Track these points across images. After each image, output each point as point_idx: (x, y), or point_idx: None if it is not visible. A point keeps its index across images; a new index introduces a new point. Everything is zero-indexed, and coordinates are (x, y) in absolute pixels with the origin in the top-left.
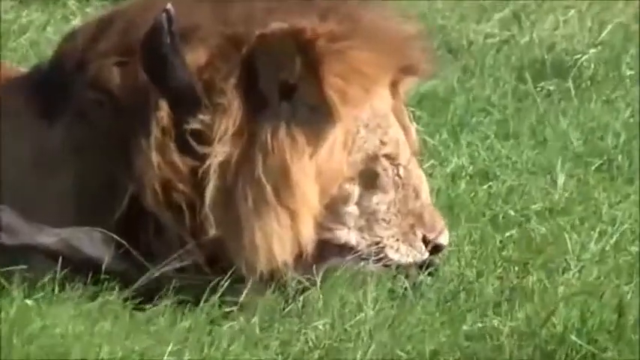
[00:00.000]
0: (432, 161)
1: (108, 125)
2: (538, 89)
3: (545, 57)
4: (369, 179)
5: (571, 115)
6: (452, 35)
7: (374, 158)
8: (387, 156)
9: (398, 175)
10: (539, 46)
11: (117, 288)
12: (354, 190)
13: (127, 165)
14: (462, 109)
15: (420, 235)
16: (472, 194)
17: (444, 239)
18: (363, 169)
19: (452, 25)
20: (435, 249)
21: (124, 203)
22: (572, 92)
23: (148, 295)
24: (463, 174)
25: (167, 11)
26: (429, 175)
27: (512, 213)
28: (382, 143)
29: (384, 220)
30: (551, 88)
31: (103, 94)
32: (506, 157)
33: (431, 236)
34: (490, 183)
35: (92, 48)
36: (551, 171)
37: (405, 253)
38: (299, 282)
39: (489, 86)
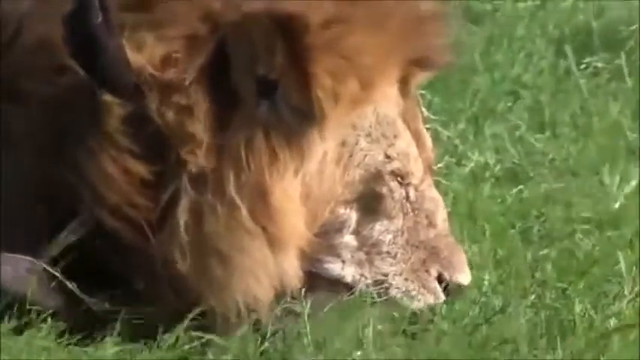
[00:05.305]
0: (446, 158)
1: (50, 110)
2: (582, 67)
3: (592, 25)
4: (370, 203)
5: (624, 100)
6: None
7: (377, 177)
8: (393, 174)
9: (407, 197)
10: (584, 11)
11: (49, 320)
12: (352, 215)
13: (71, 167)
14: (486, 92)
15: (434, 273)
16: (498, 200)
17: (464, 278)
18: (362, 191)
19: None
20: (454, 290)
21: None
22: (626, 71)
23: (88, 330)
24: (487, 175)
25: None
26: (444, 176)
27: (549, 223)
28: (388, 158)
29: (388, 253)
30: (599, 65)
31: (47, 68)
32: (541, 154)
33: (448, 274)
34: (521, 186)
35: (40, 9)
36: (598, 171)
37: (416, 295)
38: (282, 313)
39: (520, 63)
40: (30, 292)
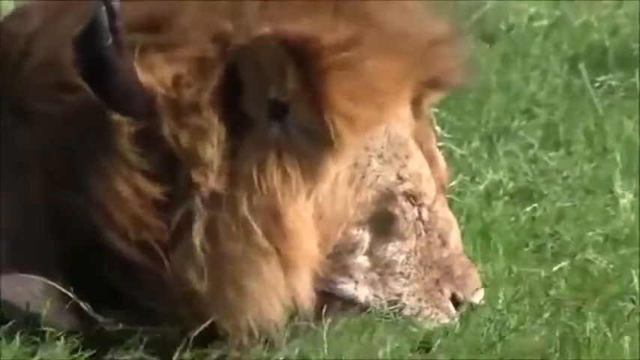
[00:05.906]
0: (460, 176)
1: (58, 129)
2: (596, 85)
3: (606, 44)
4: (383, 224)
5: (638, 118)
6: (487, 17)
7: (389, 197)
8: (406, 194)
9: (420, 218)
10: (598, 29)
11: (62, 339)
12: (364, 236)
13: (81, 188)
14: (499, 111)
15: (447, 293)
16: (512, 218)
17: (478, 298)
18: (375, 211)
19: (487, 3)
20: (467, 309)
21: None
22: None
23: (102, 348)
24: (500, 193)
25: (107, 1)
26: (457, 195)
27: (563, 240)
28: (400, 178)
29: (401, 274)
30: (613, 83)
31: (55, 87)
32: (555, 172)
33: (462, 294)
34: (535, 204)
35: (49, 28)
36: (612, 189)
37: (430, 315)
38: (296, 329)
39: (534, 81)
40: (44, 312)
